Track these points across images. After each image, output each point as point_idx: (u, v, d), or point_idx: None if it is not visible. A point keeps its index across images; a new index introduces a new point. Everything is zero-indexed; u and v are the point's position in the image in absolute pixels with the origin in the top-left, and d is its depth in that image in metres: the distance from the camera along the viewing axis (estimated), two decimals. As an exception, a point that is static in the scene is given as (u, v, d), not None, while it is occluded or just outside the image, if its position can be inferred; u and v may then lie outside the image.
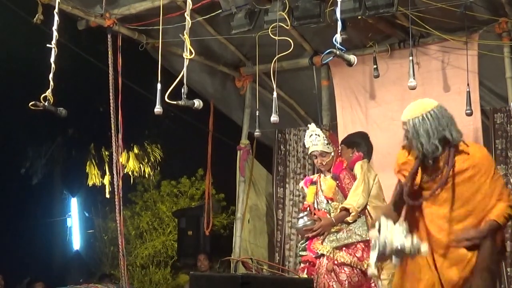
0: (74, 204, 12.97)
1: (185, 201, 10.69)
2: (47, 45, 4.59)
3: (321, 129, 5.20)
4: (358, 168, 5.17)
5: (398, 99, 7.16)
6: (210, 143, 8.27)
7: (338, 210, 5.01)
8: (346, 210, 4.98)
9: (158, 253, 10.44)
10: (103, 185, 11.08)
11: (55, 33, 4.60)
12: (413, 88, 5.18)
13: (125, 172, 10.19)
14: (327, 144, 5.10)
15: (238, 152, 8.19)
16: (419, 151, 3.65)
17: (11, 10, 6.47)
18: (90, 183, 11.50)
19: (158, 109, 4.16)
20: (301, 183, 5.50)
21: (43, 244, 11.80)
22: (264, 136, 7.95)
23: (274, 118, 4.98)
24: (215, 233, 9.14)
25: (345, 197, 5.06)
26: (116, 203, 6.58)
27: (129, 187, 10.70)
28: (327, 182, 5.13)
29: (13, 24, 7.64)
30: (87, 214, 12.47)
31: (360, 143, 5.53)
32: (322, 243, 5.00)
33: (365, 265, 4.89)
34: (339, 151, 5.27)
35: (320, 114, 7.84)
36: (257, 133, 6.40)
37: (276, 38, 5.36)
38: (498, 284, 6.31)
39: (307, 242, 5.16)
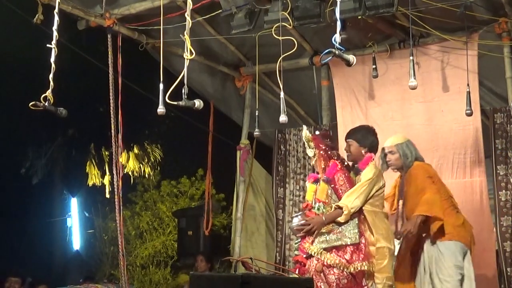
0: (74, 204, 12.98)
1: (185, 201, 10.69)
2: (47, 45, 4.58)
3: (306, 133, 5.21)
4: (367, 172, 5.12)
5: (398, 99, 7.16)
6: (210, 143, 8.26)
7: (332, 209, 5.01)
8: (340, 208, 4.97)
9: (158, 253, 10.44)
10: (103, 185, 11.07)
11: (55, 33, 4.59)
12: (413, 88, 5.15)
13: (125, 172, 10.19)
14: (309, 148, 5.20)
15: (238, 152, 8.18)
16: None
17: (11, 10, 6.46)
18: (90, 183, 11.50)
19: (161, 109, 4.10)
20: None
21: (43, 244, 11.81)
22: (264, 136, 7.94)
23: (283, 118, 4.74)
24: (215, 233, 9.13)
25: (339, 198, 5.05)
26: (116, 203, 6.57)
27: (129, 187, 10.70)
28: (321, 185, 5.14)
29: (13, 24, 7.64)
30: (87, 214, 12.47)
31: (366, 137, 5.29)
32: (312, 243, 5.00)
33: (353, 268, 4.89)
34: (324, 153, 5.16)
35: (320, 114, 7.83)
36: (257, 133, 6.40)
37: (280, 38, 5.34)
38: (499, 284, 6.33)
39: (300, 241, 5.17)
